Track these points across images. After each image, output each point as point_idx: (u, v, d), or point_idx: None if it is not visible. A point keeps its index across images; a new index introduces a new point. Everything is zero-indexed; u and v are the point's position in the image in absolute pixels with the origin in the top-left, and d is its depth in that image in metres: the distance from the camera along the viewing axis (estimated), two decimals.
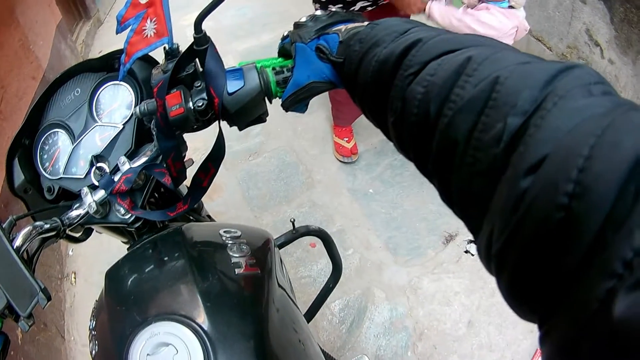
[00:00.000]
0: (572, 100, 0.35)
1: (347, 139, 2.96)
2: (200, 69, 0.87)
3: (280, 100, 0.85)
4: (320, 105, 3.28)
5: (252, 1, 5.20)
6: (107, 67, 1.14)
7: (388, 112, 0.55)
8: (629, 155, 0.27)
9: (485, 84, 0.41)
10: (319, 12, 0.82)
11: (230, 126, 0.88)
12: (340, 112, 2.87)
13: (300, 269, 2.41)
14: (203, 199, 1.20)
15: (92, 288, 2.71)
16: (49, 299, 0.81)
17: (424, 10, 2.01)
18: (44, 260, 2.62)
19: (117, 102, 1.11)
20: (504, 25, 1.93)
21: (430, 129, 0.46)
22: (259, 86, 0.84)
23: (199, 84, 0.85)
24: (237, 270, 0.93)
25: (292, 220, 1.32)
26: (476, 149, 0.40)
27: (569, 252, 0.30)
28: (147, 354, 0.77)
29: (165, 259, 0.96)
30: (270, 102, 0.88)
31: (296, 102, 0.83)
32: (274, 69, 0.85)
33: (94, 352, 0.92)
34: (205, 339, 0.77)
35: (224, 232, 1.04)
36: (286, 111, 0.86)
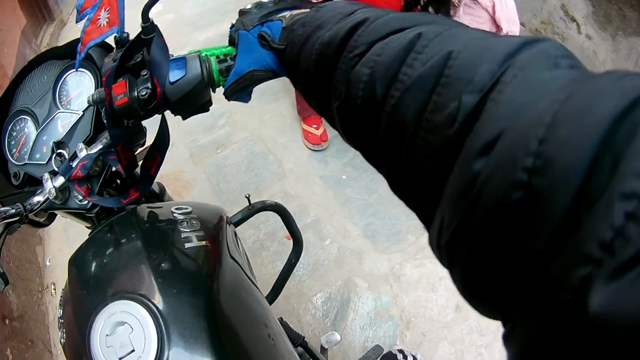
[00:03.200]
0: (535, 73, 0.31)
1: (315, 125, 2.93)
2: (148, 58, 0.88)
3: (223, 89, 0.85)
4: (286, 92, 3.22)
5: None
6: (71, 54, 1.15)
7: (332, 97, 0.52)
8: (602, 118, 0.24)
9: (436, 60, 0.37)
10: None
11: (174, 115, 0.89)
12: (305, 104, 2.86)
13: (278, 263, 2.38)
14: (172, 195, 1.22)
15: None
16: (6, 283, 0.89)
17: None
18: (22, 274, 2.65)
19: (79, 88, 1.14)
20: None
21: (376, 112, 0.43)
22: (200, 75, 0.84)
23: (145, 73, 0.86)
24: (186, 245, 0.95)
25: (247, 195, 1.32)
26: (427, 131, 0.37)
27: (532, 236, 0.26)
28: (106, 335, 0.78)
29: (122, 240, 0.98)
30: (214, 91, 0.89)
31: (238, 91, 0.84)
32: (217, 57, 0.85)
33: (62, 340, 0.94)
34: (158, 315, 0.79)
35: (176, 209, 1.07)
36: (228, 100, 0.86)
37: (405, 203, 0.46)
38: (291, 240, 2.26)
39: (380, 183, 2.54)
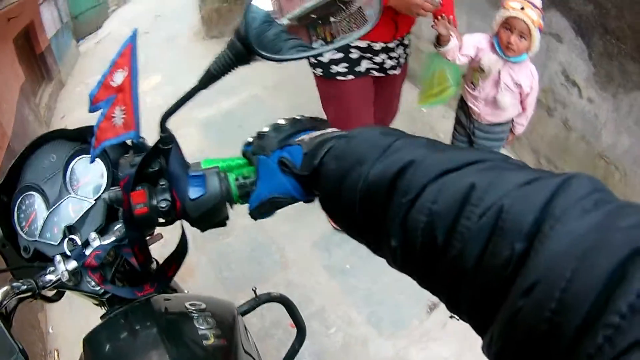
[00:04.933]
0: (566, 223, 0.43)
1: None
2: (165, 167, 1.01)
3: (247, 207, 0.97)
4: None
5: (207, 64, 5.48)
6: (81, 138, 1.31)
7: (388, 236, 0.60)
8: (602, 272, 0.38)
9: (491, 213, 0.49)
10: (281, 121, 0.94)
11: (192, 226, 1.02)
12: None
13: (282, 351, 2.61)
14: (176, 279, 1.33)
15: None
16: (26, 358, 0.93)
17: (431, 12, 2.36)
18: (26, 337, 2.89)
19: (90, 175, 1.28)
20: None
21: (437, 256, 0.54)
22: (220, 194, 0.96)
23: (163, 183, 0.99)
24: (204, 342, 1.06)
25: (254, 288, 1.52)
26: (486, 273, 0.48)
27: (553, 353, 0.41)
28: None
29: (138, 328, 1.08)
30: (232, 208, 1.02)
31: (263, 214, 0.93)
32: (237, 179, 0.97)
33: None
34: None
35: (190, 305, 1.17)
36: (255, 220, 0.96)
37: (461, 319, 0.57)
38: (295, 329, 2.61)
39: (383, 272, 3.00)
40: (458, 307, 0.56)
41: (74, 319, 3.05)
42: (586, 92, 3.15)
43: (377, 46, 2.50)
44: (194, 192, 0.95)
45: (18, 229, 1.28)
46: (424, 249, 0.55)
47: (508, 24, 2.52)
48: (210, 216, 0.98)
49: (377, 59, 2.57)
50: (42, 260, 1.24)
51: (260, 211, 0.92)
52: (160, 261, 1.24)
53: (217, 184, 0.95)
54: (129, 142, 1.13)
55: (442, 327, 2.74)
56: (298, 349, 1.68)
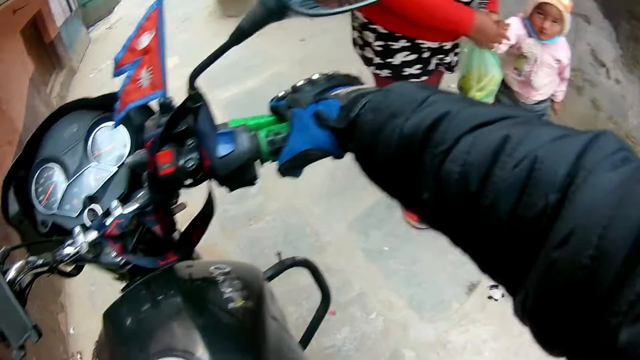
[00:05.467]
0: (598, 176, 0.46)
1: None
2: (194, 126, 1.01)
3: (276, 164, 0.96)
4: None
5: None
6: (104, 106, 1.31)
7: (420, 188, 0.62)
8: (635, 226, 0.41)
9: (525, 164, 0.51)
10: (316, 76, 0.94)
11: (220, 186, 1.01)
12: None
13: (323, 340, 2.71)
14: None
15: None
16: (40, 335, 0.93)
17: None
18: (45, 342, 2.84)
19: (113, 143, 1.29)
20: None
21: (471, 207, 0.55)
22: (249, 151, 0.95)
23: (190, 142, 0.99)
24: (230, 305, 1.06)
25: (278, 253, 1.53)
26: (520, 225, 0.50)
27: (589, 302, 0.43)
28: None
29: (160, 297, 1.08)
30: (262, 166, 1.00)
31: (292, 169, 0.93)
32: (267, 135, 0.96)
33: None
34: None
35: (214, 268, 1.17)
36: (282, 176, 0.96)
37: (491, 276, 0.59)
38: (334, 316, 2.57)
39: (422, 252, 3.05)
40: (490, 265, 0.58)
41: (97, 317, 2.88)
42: (614, 73, 3.25)
43: (448, 45, 2.52)
44: (223, 149, 0.95)
45: (36, 202, 1.29)
46: (457, 200, 0.57)
47: (541, 10, 2.68)
48: (239, 174, 0.97)
49: (447, 59, 2.59)
50: (60, 234, 1.24)
51: (291, 165, 0.92)
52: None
53: (246, 140, 0.96)
54: (155, 105, 1.10)
55: (482, 309, 2.75)
56: (323, 315, 1.69)
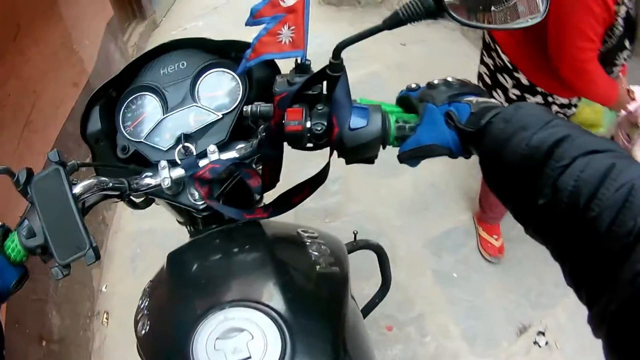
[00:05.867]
0: None
1: (495, 236, 3.34)
2: (325, 93, 1.05)
3: (397, 149, 1.01)
4: (406, 168, 3.67)
5: (326, 31, 5.38)
6: (221, 52, 1.36)
7: (537, 194, 0.72)
8: None
9: (625, 189, 0.61)
10: (450, 79, 0.99)
11: (339, 157, 1.05)
12: (491, 212, 3.28)
13: (375, 352, 2.75)
14: None
15: (128, 333, 2.97)
16: (97, 258, 0.95)
17: None
18: (71, 295, 2.94)
19: (222, 90, 1.32)
20: None
21: (577, 217, 0.65)
22: (380, 131, 1.00)
23: (321, 108, 1.04)
24: (317, 267, 1.09)
25: (354, 232, 1.60)
26: (613, 239, 0.60)
27: None
28: (217, 338, 0.90)
29: (243, 248, 1.11)
30: (384, 148, 1.04)
31: (412, 158, 0.98)
32: (397, 121, 1.01)
33: (143, 331, 1.07)
34: (284, 328, 0.90)
35: (302, 231, 1.22)
36: (400, 162, 1.01)
37: (578, 289, 0.68)
38: (391, 332, 2.64)
39: (487, 285, 3.14)
40: (580, 272, 0.68)
41: (136, 282, 3.03)
42: None
43: (575, 100, 2.53)
44: (355, 123, 0.99)
45: (121, 127, 1.32)
46: (567, 209, 0.67)
47: None
48: (363, 149, 1.01)
49: (569, 112, 2.59)
50: (138, 163, 1.29)
51: (411, 155, 0.97)
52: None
53: (379, 120, 1.00)
54: (279, 64, 1.19)
55: (526, 353, 2.85)
56: (378, 301, 1.75)
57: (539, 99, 2.43)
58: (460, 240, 3.40)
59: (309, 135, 1.02)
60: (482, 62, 2.66)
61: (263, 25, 1.00)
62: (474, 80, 2.62)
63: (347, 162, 1.06)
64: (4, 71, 2.73)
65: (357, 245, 1.56)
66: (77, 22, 3.96)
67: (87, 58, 3.96)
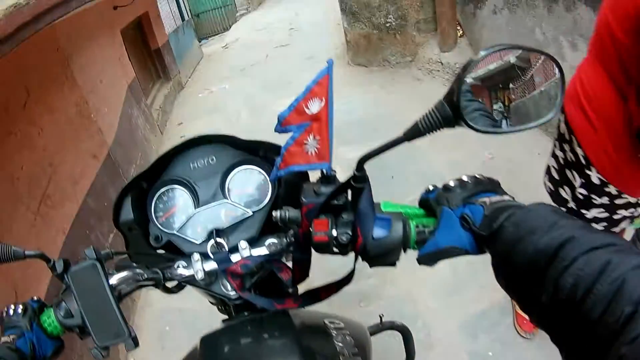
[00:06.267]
0: None
1: None
2: (350, 200, 1.11)
3: (417, 252, 1.05)
4: None
5: (357, 95, 5.43)
6: (251, 150, 1.42)
7: (540, 292, 0.77)
8: None
9: (617, 283, 0.66)
10: (464, 178, 1.05)
11: (363, 260, 1.11)
12: None
13: None
14: None
15: None
16: (136, 345, 1.02)
17: None
18: None
19: (251, 186, 1.39)
20: None
21: (573, 309, 0.71)
22: (401, 238, 1.05)
23: (346, 217, 1.11)
24: (341, 358, 1.14)
25: (381, 315, 1.67)
26: (604, 326, 0.66)
27: None
28: None
29: (273, 336, 1.14)
30: (405, 252, 1.09)
31: (431, 260, 1.03)
32: (417, 226, 1.07)
33: None
34: None
35: (329, 322, 1.27)
36: (419, 264, 1.05)
37: None
38: None
39: None
40: (574, 357, 0.74)
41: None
42: None
43: None
44: (377, 232, 1.05)
45: (153, 217, 1.39)
46: (566, 302, 0.73)
47: None
48: (385, 256, 1.07)
49: (636, 212, 2.47)
50: (169, 250, 1.37)
51: (431, 258, 1.02)
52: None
53: (400, 228, 1.05)
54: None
55: None
56: None
57: (604, 200, 2.28)
58: (496, 319, 3.38)
59: (334, 243, 1.09)
60: (553, 154, 2.49)
61: (290, 134, 1.07)
62: (541, 174, 2.59)
63: (371, 266, 1.13)
64: (15, 141, 2.71)
65: (383, 326, 1.65)
66: (95, 87, 3.89)
67: (106, 127, 3.90)
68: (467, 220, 0.95)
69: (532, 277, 0.80)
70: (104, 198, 3.83)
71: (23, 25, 2.45)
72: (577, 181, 2.29)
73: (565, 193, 2.42)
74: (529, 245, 0.81)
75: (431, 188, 1.10)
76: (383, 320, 1.66)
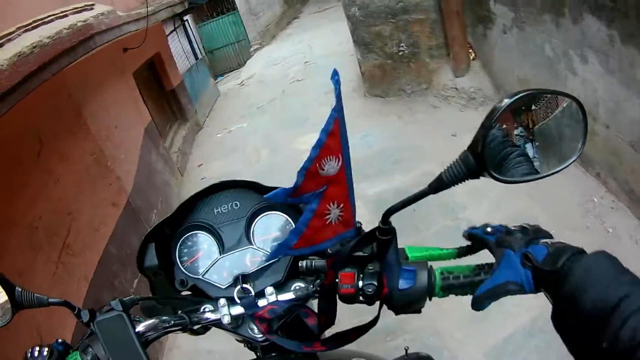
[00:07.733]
0: None
1: None
2: (375, 250, 1.12)
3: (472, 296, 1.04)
4: None
5: (375, 128, 5.42)
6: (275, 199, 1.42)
7: (602, 339, 0.79)
8: None
9: None
10: (527, 225, 1.05)
11: (389, 309, 1.12)
12: None
13: None
14: None
15: None
16: None
17: None
18: None
19: (276, 232, 1.42)
20: None
21: (628, 358, 0.75)
22: (426, 287, 1.07)
23: (372, 268, 1.13)
24: None
25: (406, 348, 1.67)
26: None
27: None
28: None
29: None
30: (430, 300, 1.11)
31: (486, 300, 1.01)
32: (442, 273, 1.08)
33: None
34: None
35: None
36: (473, 306, 1.01)
37: None
38: None
39: None
40: None
41: None
42: None
43: None
44: (403, 284, 1.06)
45: (178, 262, 1.42)
46: (623, 351, 0.75)
47: None
48: (411, 305, 1.09)
49: None
50: (196, 294, 1.41)
51: (488, 296, 1.00)
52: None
53: (425, 278, 1.07)
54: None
55: None
56: None
57: None
58: (520, 343, 3.45)
59: (360, 294, 1.12)
60: None
61: (308, 207, 1.02)
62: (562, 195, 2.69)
63: (396, 314, 1.14)
64: (31, 192, 2.74)
65: (408, 358, 1.63)
66: (110, 133, 3.90)
67: (124, 173, 3.92)
68: (529, 258, 0.95)
69: (598, 324, 0.81)
70: (125, 245, 3.87)
71: (29, 75, 2.52)
72: None
73: None
74: (598, 292, 0.82)
75: (489, 230, 1.09)
76: (408, 352, 1.67)
